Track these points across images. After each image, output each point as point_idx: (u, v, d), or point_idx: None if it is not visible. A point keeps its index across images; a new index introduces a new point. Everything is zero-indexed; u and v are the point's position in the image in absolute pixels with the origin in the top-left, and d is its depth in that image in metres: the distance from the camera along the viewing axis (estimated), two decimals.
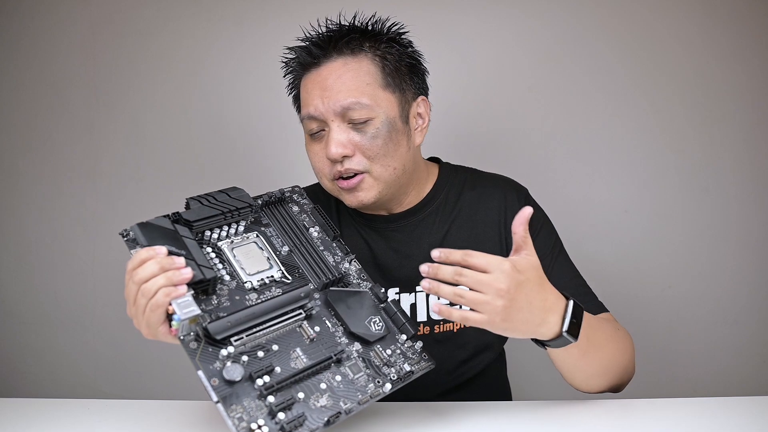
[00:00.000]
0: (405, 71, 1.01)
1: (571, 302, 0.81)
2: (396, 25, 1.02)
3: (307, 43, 1.00)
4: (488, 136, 1.69)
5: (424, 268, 0.75)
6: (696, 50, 1.62)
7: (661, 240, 1.67)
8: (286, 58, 1.04)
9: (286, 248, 0.86)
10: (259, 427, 0.67)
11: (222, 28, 1.74)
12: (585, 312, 0.84)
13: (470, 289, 0.75)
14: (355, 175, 0.97)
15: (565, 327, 0.79)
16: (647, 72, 1.64)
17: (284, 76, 1.07)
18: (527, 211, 0.79)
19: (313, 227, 0.91)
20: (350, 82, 0.96)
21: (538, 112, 1.68)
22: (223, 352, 0.72)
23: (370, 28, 1.00)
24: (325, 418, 0.70)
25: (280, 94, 1.71)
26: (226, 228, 0.84)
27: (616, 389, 0.97)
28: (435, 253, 0.75)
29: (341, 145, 0.95)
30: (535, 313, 0.78)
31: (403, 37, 1.03)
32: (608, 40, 1.64)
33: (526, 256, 0.78)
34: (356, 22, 1.01)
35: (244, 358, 0.72)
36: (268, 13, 1.72)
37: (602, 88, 1.66)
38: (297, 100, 1.06)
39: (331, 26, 1.01)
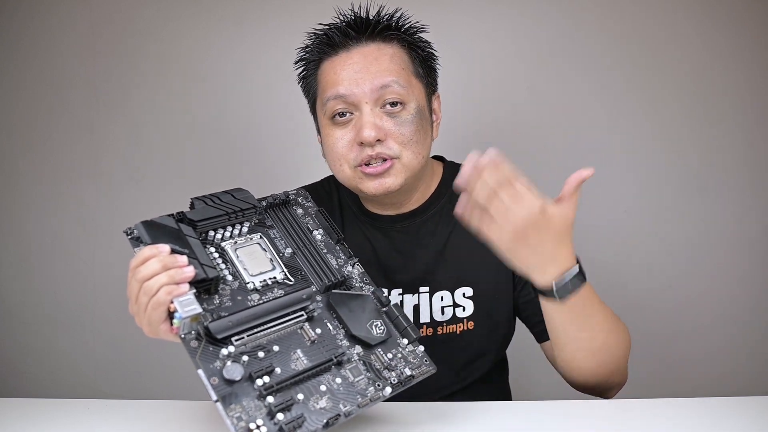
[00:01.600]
0: (427, 65, 1.04)
1: (576, 268, 0.82)
2: (418, 22, 1.04)
3: (344, 24, 0.99)
4: (487, 136, 1.69)
5: (484, 159, 0.76)
6: (695, 50, 1.62)
7: (660, 240, 1.67)
8: (312, 36, 1.02)
9: (289, 250, 0.86)
10: (258, 427, 0.66)
11: (222, 28, 1.74)
12: (593, 290, 0.85)
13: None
14: (385, 160, 0.97)
15: (556, 284, 0.81)
16: (647, 72, 1.64)
17: (296, 62, 1.05)
18: (586, 172, 0.81)
19: (317, 230, 0.91)
20: (387, 64, 0.97)
21: (537, 112, 1.68)
22: (224, 351, 0.72)
23: (396, 20, 1.01)
24: (324, 420, 0.70)
25: (280, 94, 1.72)
26: (230, 229, 0.84)
27: (603, 389, 0.96)
28: (492, 151, 0.76)
29: (375, 127, 0.95)
30: (538, 256, 0.80)
31: (421, 34, 1.04)
32: (608, 40, 1.64)
33: (564, 207, 0.79)
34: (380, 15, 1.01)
35: (245, 358, 0.72)
36: (268, 13, 1.72)
37: (602, 88, 1.66)
38: (308, 86, 1.05)
39: (359, 14, 1.01)
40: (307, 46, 1.03)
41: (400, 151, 0.97)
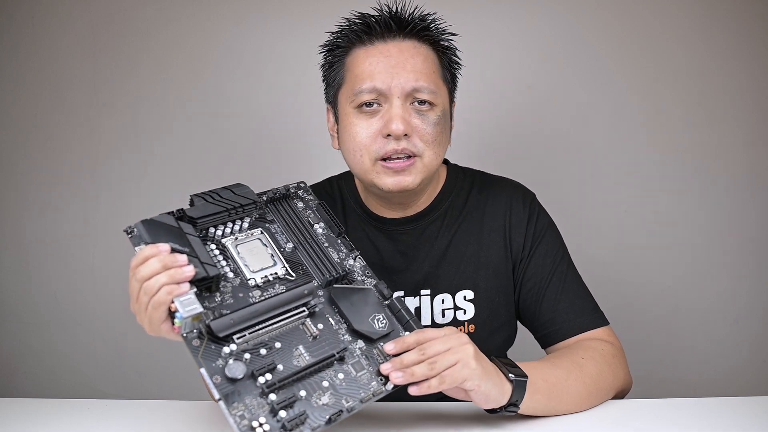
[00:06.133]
0: (452, 71, 1.04)
1: (511, 386, 0.81)
2: (451, 26, 1.03)
3: (386, 14, 0.99)
4: (487, 136, 1.69)
5: (386, 366, 0.76)
6: (696, 50, 1.63)
7: (660, 240, 1.67)
8: (346, 22, 1.01)
9: (290, 245, 0.86)
10: (261, 425, 0.67)
11: (222, 28, 1.74)
12: (533, 369, 0.84)
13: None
14: (409, 157, 0.96)
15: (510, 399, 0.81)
16: (648, 72, 1.64)
17: (322, 46, 1.04)
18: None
19: (317, 224, 0.90)
20: (421, 65, 0.97)
21: (537, 112, 1.68)
22: (226, 349, 0.72)
23: (431, 23, 1.01)
24: (327, 417, 0.70)
25: (280, 93, 1.72)
26: (230, 225, 0.84)
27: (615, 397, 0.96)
28: (389, 348, 0.78)
29: (405, 121, 0.95)
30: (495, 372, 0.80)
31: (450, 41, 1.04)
32: (608, 40, 1.65)
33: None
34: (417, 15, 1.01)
35: (247, 355, 0.72)
36: (268, 13, 1.73)
37: (602, 88, 1.66)
38: (333, 72, 1.03)
39: (399, 10, 1.00)
40: (340, 30, 1.01)
41: (424, 149, 0.97)
